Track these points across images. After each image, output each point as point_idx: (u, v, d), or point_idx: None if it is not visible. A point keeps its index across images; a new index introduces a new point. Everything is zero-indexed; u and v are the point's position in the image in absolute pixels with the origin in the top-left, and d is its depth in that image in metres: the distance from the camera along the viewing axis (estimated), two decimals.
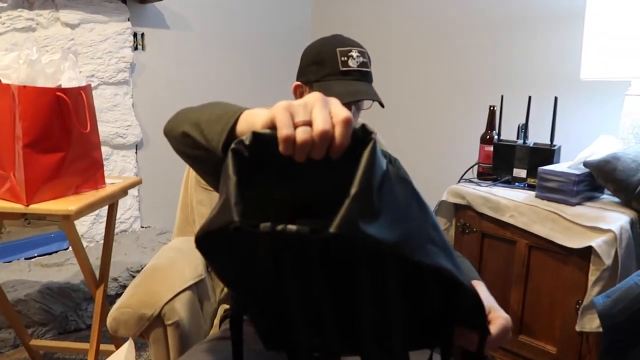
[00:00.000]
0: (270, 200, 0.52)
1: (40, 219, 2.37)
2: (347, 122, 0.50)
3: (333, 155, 0.51)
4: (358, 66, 1.07)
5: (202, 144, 0.69)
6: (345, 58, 1.07)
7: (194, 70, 2.63)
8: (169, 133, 0.79)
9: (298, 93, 1.13)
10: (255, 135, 0.52)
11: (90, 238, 2.32)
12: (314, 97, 0.53)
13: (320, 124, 0.50)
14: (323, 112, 0.51)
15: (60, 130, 1.30)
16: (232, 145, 0.51)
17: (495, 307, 0.79)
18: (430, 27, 2.40)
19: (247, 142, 0.51)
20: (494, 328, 0.72)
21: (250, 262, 0.55)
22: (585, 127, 1.86)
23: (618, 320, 1.15)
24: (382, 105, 1.10)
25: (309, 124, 0.51)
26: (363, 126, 0.51)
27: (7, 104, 1.25)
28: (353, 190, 0.46)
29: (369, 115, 1.77)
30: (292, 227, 0.47)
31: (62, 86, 1.34)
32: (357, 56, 1.08)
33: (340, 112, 0.51)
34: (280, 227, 0.47)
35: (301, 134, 0.50)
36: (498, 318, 0.74)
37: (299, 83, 1.12)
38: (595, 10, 1.56)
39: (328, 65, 1.07)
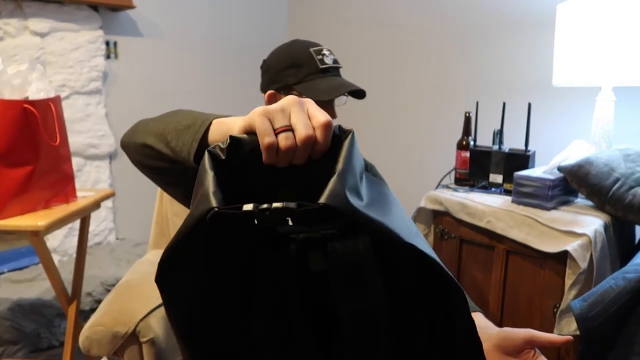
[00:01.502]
0: (248, 198, 0.49)
1: (10, 233, 2.30)
2: (328, 126, 0.51)
3: (314, 156, 0.52)
4: (333, 63, 1.09)
5: (167, 155, 0.68)
6: (321, 57, 1.08)
7: (168, 79, 2.59)
8: (127, 145, 0.77)
9: (272, 102, 1.12)
10: (233, 139, 0.51)
11: (64, 252, 2.26)
12: (290, 101, 0.53)
13: (302, 130, 0.50)
14: (303, 117, 0.52)
15: (27, 143, 1.26)
16: (209, 149, 0.51)
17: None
18: (406, 35, 2.41)
19: (223, 146, 0.51)
20: None
21: (218, 292, 0.52)
22: (559, 132, 1.89)
23: (595, 324, 1.17)
24: (364, 94, 1.11)
25: (289, 129, 0.51)
26: (339, 127, 0.53)
27: None
28: (338, 167, 0.47)
29: (347, 122, 1.76)
30: (277, 204, 0.45)
31: (30, 98, 1.30)
32: (330, 54, 1.10)
33: (319, 115, 0.52)
34: (265, 206, 0.45)
35: (284, 141, 0.50)
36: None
37: (272, 91, 1.11)
38: (565, 17, 1.59)
39: (306, 66, 1.07)
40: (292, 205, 0.45)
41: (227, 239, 0.50)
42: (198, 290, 0.52)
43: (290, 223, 0.46)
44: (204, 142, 0.62)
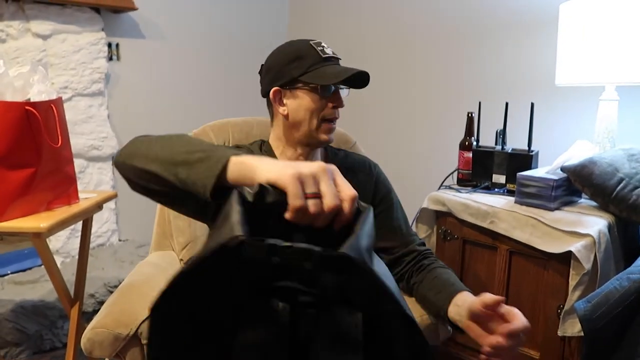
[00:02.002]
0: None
1: (13, 234, 2.30)
2: (354, 199, 0.57)
3: (336, 226, 0.57)
4: (333, 54, 1.10)
5: (172, 184, 0.69)
6: (321, 48, 1.09)
7: (170, 80, 2.59)
8: (124, 166, 0.78)
9: (277, 100, 1.11)
10: (262, 188, 0.57)
11: (66, 253, 2.26)
12: (320, 169, 0.58)
13: (331, 200, 0.56)
14: (331, 187, 0.57)
15: (29, 145, 1.26)
16: (237, 189, 0.57)
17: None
18: (408, 36, 2.41)
19: (252, 191, 0.57)
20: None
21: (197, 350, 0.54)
22: (562, 132, 1.88)
23: (599, 325, 1.16)
24: (365, 83, 1.10)
25: (318, 196, 0.56)
26: (359, 202, 0.59)
27: None
28: (357, 228, 0.53)
29: (350, 123, 1.76)
30: (301, 244, 0.48)
31: (32, 100, 1.30)
32: (327, 46, 1.10)
33: (347, 188, 0.58)
34: (288, 243, 0.48)
35: (313, 207, 0.56)
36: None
37: (277, 88, 1.10)
38: (569, 17, 1.58)
39: (309, 57, 1.07)
40: (316, 248, 0.47)
41: (220, 288, 0.51)
42: (179, 341, 0.54)
43: (308, 266, 0.49)
44: (221, 178, 0.64)
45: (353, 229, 0.53)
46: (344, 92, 1.13)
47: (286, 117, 1.10)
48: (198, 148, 0.69)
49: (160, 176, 0.71)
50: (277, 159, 0.81)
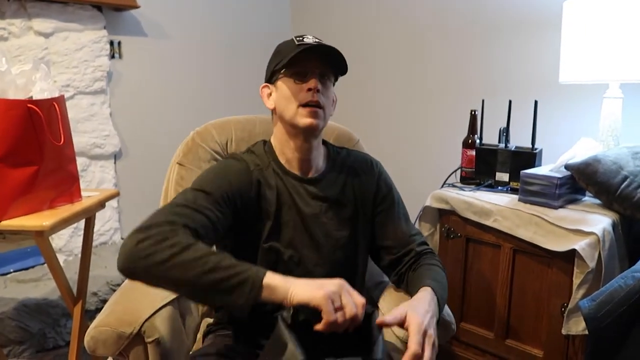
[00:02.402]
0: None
1: (15, 233, 2.30)
2: (364, 306, 0.82)
3: (351, 329, 0.80)
4: (316, 42, 1.05)
5: (192, 300, 1.05)
6: (301, 38, 1.07)
7: (172, 78, 2.59)
8: (134, 275, 0.86)
9: (265, 94, 1.13)
10: (296, 310, 0.81)
11: (69, 251, 2.26)
12: (340, 286, 0.81)
13: (351, 310, 0.79)
14: (349, 298, 0.80)
15: (32, 143, 1.26)
16: (283, 314, 0.82)
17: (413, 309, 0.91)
18: (411, 33, 2.40)
19: (287, 314, 0.82)
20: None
21: None
22: (566, 130, 1.87)
23: (603, 324, 1.15)
24: (345, 67, 1.07)
25: (341, 308, 0.79)
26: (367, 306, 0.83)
27: None
28: (377, 334, 0.83)
29: (354, 121, 1.76)
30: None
31: (34, 98, 1.30)
32: (313, 37, 1.08)
33: (358, 297, 0.82)
34: None
35: (340, 318, 0.78)
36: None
37: (264, 84, 1.14)
38: (572, 15, 1.57)
39: (286, 49, 1.07)
40: None
41: None
42: None
43: None
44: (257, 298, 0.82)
45: (368, 331, 0.81)
46: (330, 83, 1.10)
47: (275, 111, 1.11)
48: (223, 274, 0.81)
49: (179, 293, 0.94)
50: (302, 279, 0.84)
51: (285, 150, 1.12)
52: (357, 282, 1.17)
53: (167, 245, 0.82)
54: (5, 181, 1.22)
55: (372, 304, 1.25)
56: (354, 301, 0.80)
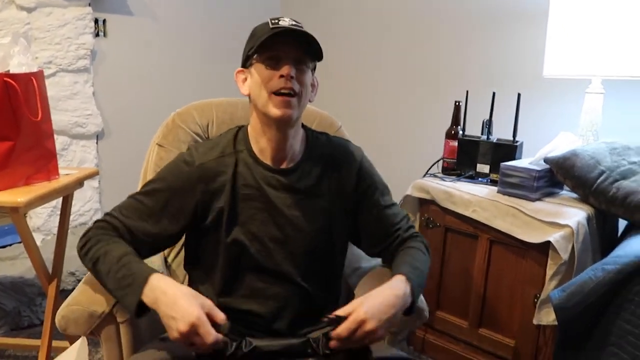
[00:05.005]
0: None
1: None
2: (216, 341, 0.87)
3: None
4: (290, 25, 1.00)
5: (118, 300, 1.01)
6: (276, 20, 1.01)
7: (157, 58, 2.55)
8: (85, 265, 1.01)
9: (240, 79, 1.08)
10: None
11: (47, 231, 2.24)
12: (192, 327, 0.85)
13: (205, 345, 0.86)
14: (198, 340, 0.86)
15: (8, 118, 1.24)
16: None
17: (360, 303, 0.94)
18: (398, 23, 2.39)
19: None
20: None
21: None
22: (547, 124, 1.89)
23: (573, 314, 1.18)
24: (320, 54, 1.02)
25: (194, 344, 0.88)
26: None
27: None
28: None
29: (336, 107, 1.75)
30: None
31: (11, 72, 1.27)
32: (290, 19, 1.02)
33: (209, 337, 0.85)
34: None
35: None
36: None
37: (239, 69, 1.08)
38: (559, 9, 1.58)
39: (260, 32, 1.01)
40: None
41: None
42: None
43: None
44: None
45: None
46: (307, 63, 1.04)
47: (249, 97, 1.06)
48: (122, 283, 0.92)
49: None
50: (179, 290, 0.90)
51: (260, 139, 1.07)
52: (333, 273, 1.16)
53: (89, 258, 0.99)
54: None
55: (347, 291, 1.26)
56: (202, 341, 0.84)
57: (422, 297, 1.14)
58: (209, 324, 0.85)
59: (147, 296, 0.89)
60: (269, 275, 1.07)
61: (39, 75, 1.33)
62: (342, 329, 0.90)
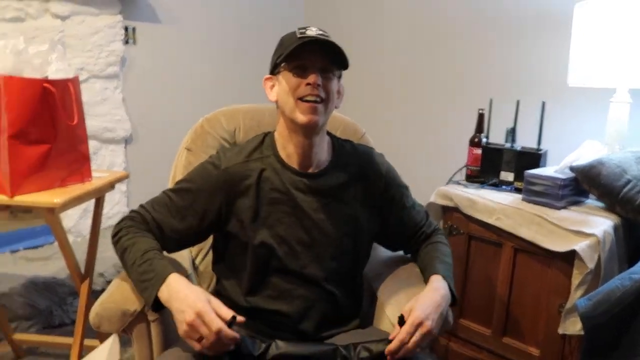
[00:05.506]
0: None
1: (27, 211, 2.34)
2: (219, 331, 0.89)
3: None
4: (317, 35, 1.03)
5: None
6: (303, 30, 1.05)
7: (184, 65, 2.61)
8: (116, 251, 1.06)
9: (268, 86, 1.11)
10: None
11: (77, 232, 2.30)
12: (196, 316, 0.89)
13: (210, 340, 0.89)
14: (205, 330, 0.89)
15: (46, 122, 1.29)
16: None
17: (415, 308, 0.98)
18: (422, 30, 2.41)
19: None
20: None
21: None
22: (572, 132, 1.88)
23: (599, 323, 1.17)
24: (346, 63, 1.05)
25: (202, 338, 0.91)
26: None
27: None
28: None
29: (361, 114, 1.77)
30: None
31: (49, 77, 1.33)
32: (317, 29, 1.05)
33: (215, 325, 0.89)
34: None
35: (205, 346, 0.90)
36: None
37: (267, 76, 1.12)
38: (583, 17, 1.57)
39: (288, 41, 1.05)
40: None
41: None
42: None
43: None
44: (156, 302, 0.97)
45: None
46: (334, 76, 1.07)
47: (277, 104, 1.10)
48: (143, 277, 0.98)
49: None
50: (190, 290, 0.94)
51: (287, 145, 1.10)
52: (356, 276, 1.19)
53: (118, 247, 1.05)
54: (20, 158, 1.25)
55: (371, 295, 1.27)
56: (208, 330, 0.87)
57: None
58: (213, 313, 0.89)
59: (163, 293, 0.94)
60: (296, 277, 1.09)
61: (75, 81, 1.39)
62: (402, 333, 0.95)
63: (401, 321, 0.97)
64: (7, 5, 2.02)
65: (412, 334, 0.94)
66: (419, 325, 0.95)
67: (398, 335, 0.95)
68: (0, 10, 2.01)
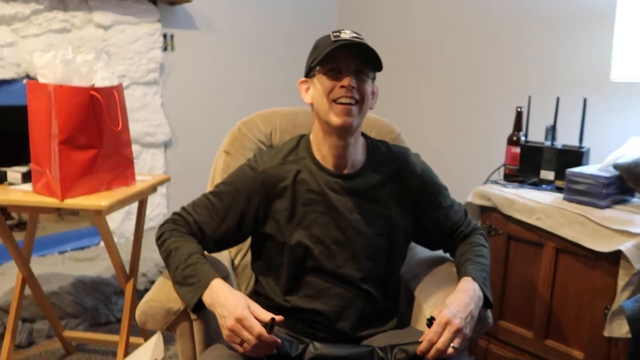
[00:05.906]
0: None
1: (74, 214, 2.45)
2: (259, 335, 0.92)
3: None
4: (351, 38, 1.04)
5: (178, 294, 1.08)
6: (337, 33, 1.06)
7: (222, 71, 2.67)
8: (160, 252, 1.11)
9: (303, 89, 1.13)
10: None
11: (120, 234, 2.39)
12: (236, 322, 0.92)
13: (250, 344, 0.93)
14: (246, 335, 0.92)
15: (93, 128, 1.35)
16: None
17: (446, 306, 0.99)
18: (457, 28, 2.38)
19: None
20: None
21: None
22: (615, 129, 1.82)
23: None
24: (380, 65, 1.05)
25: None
26: None
27: (43, 103, 1.30)
28: None
29: (396, 113, 1.77)
30: None
31: (96, 85, 1.38)
32: (350, 32, 1.06)
33: (255, 329, 0.92)
34: None
35: (247, 349, 0.94)
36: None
37: (302, 79, 1.13)
38: (627, 9, 1.52)
39: (323, 44, 1.06)
40: None
41: None
42: None
43: None
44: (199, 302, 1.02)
45: None
46: (368, 78, 1.07)
47: (312, 106, 1.11)
48: (187, 281, 1.02)
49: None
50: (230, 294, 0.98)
51: (322, 147, 1.12)
52: (392, 276, 1.19)
53: (162, 249, 1.09)
54: (70, 163, 1.31)
55: (409, 295, 1.27)
56: (249, 335, 0.91)
57: None
58: (253, 318, 0.92)
59: (207, 298, 0.99)
60: (332, 276, 1.11)
61: (119, 88, 1.44)
62: (430, 333, 0.95)
63: (430, 323, 0.97)
64: (54, 17, 2.12)
65: (440, 334, 0.94)
66: (447, 324, 0.95)
67: (426, 335, 0.96)
68: (48, 22, 2.11)
